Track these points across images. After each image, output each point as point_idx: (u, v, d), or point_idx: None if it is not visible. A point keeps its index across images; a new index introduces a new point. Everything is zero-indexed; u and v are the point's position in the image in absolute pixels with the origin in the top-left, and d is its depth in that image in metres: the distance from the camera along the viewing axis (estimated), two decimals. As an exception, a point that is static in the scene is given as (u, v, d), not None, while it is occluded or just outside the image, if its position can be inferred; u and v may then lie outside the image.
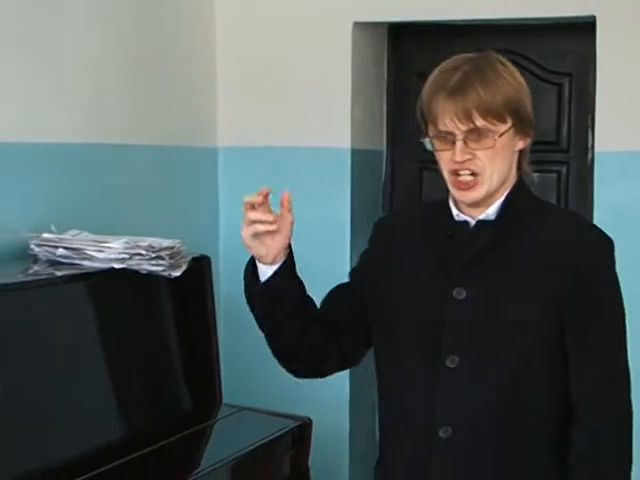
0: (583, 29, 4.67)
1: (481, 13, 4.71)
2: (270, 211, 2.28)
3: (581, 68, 4.86)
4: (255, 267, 2.39)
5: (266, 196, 2.27)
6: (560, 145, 4.89)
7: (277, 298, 2.38)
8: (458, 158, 2.23)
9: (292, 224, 2.32)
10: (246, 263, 2.43)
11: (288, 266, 2.35)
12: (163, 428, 3.44)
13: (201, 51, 4.95)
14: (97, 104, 4.15)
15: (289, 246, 2.35)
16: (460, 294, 2.27)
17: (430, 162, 5.24)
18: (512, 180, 2.33)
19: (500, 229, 2.30)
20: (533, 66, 4.67)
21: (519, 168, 2.36)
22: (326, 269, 4.94)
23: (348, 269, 4.85)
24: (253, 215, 2.27)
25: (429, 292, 2.31)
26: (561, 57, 4.89)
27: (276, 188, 5.03)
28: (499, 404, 2.24)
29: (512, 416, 2.25)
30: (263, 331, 2.53)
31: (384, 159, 5.37)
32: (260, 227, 2.28)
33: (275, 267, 2.35)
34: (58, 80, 3.93)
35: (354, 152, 4.97)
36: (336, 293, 2.56)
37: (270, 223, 2.27)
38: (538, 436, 2.27)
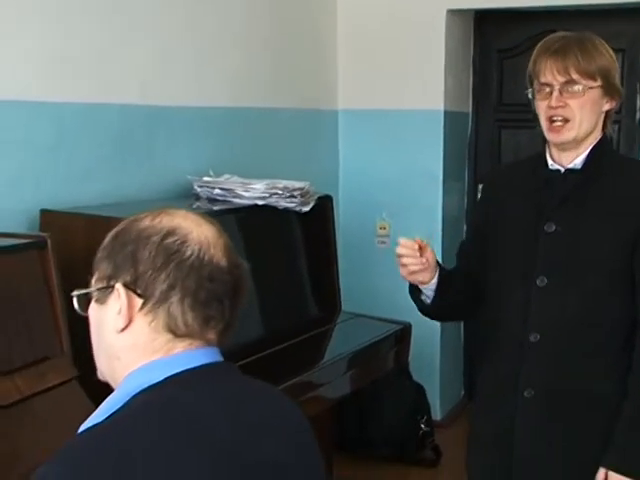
0: (634, 13, 4.58)
1: (550, 0, 4.62)
2: (417, 255, 2.24)
3: (632, 45, 4.80)
4: (416, 288, 2.36)
5: (419, 247, 2.24)
6: (614, 107, 4.80)
7: (441, 306, 2.37)
8: (553, 103, 2.20)
9: (433, 252, 2.28)
10: (408, 287, 2.39)
11: (441, 278, 2.32)
12: (296, 329, 3.46)
13: (326, 33, 4.92)
14: (246, 77, 4.16)
15: (436, 262, 2.30)
16: (550, 228, 2.24)
17: (507, 121, 5.24)
18: (598, 135, 2.27)
19: (585, 176, 2.25)
20: (592, 44, 4.56)
21: (604, 128, 2.30)
22: (423, 208, 4.97)
23: (441, 209, 4.91)
24: (405, 260, 2.24)
25: (526, 227, 2.28)
26: (616, 36, 4.74)
27: (383, 142, 5.07)
28: (577, 317, 2.21)
29: (587, 327, 2.22)
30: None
31: (470, 119, 5.34)
32: (414, 267, 2.25)
33: (433, 286, 2.32)
34: (217, 58, 3.94)
35: (446, 114, 4.92)
36: (465, 251, 2.54)
37: (421, 263, 2.24)
38: (608, 346, 2.23)
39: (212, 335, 1.36)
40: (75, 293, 1.40)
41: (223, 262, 1.34)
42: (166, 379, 1.30)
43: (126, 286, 1.31)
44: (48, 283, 2.36)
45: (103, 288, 1.34)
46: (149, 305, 1.31)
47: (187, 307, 1.31)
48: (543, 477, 2.28)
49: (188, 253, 1.31)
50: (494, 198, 2.42)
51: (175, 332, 1.32)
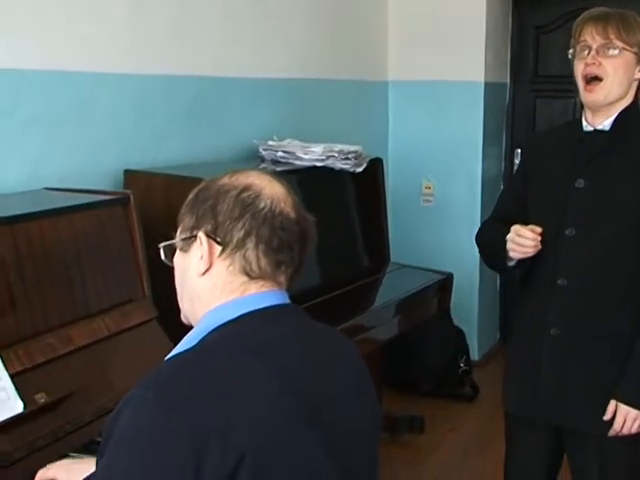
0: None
1: (584, -20, 4.51)
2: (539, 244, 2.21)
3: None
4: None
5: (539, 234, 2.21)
6: None
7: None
8: (589, 60, 2.16)
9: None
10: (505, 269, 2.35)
11: None
12: (350, 278, 3.46)
13: (378, 15, 4.87)
14: (307, 51, 4.13)
15: None
16: (580, 184, 2.21)
17: (542, 92, 5.15)
18: (627, 101, 2.22)
19: (612, 137, 2.21)
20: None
21: (635, 97, 2.24)
22: (465, 171, 4.94)
23: (480, 172, 4.88)
24: (532, 250, 2.20)
25: (560, 183, 2.25)
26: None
27: (428, 111, 5.01)
28: (601, 264, 2.19)
29: (610, 273, 2.19)
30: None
31: (507, 90, 5.27)
32: (532, 252, 2.21)
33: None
34: (281, 35, 3.92)
35: (486, 85, 4.86)
36: (510, 204, 2.47)
37: (537, 247, 2.21)
38: (629, 291, 2.19)
39: (282, 279, 1.37)
40: (162, 245, 1.42)
41: (292, 214, 1.36)
42: (240, 316, 1.31)
43: (207, 235, 1.34)
44: (131, 234, 2.38)
45: (187, 238, 1.37)
46: (227, 251, 1.33)
47: (261, 253, 1.33)
48: (564, 409, 2.27)
49: (262, 205, 1.33)
50: (532, 160, 2.39)
51: (250, 275, 1.34)
